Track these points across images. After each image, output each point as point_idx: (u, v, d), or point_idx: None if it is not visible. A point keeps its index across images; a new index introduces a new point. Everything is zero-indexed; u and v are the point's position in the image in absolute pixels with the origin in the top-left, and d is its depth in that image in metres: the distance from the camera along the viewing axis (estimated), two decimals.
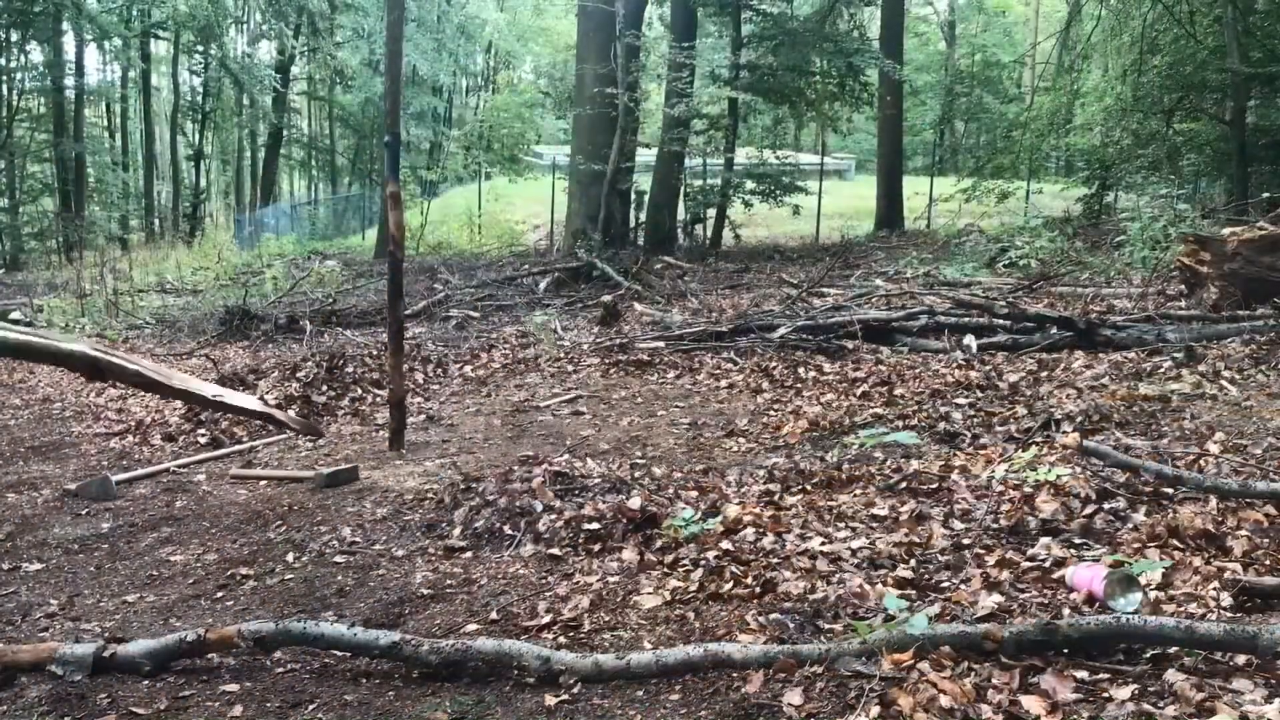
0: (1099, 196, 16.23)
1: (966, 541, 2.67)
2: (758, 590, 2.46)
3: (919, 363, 5.40)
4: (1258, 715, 1.70)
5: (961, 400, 4.39)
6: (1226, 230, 6.34)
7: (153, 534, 3.59)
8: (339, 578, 2.94)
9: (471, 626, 2.46)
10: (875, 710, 1.79)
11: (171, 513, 3.85)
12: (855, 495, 3.16)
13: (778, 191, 16.21)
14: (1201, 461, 3.20)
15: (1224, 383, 4.24)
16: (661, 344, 6.45)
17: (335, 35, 33.93)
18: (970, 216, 15.96)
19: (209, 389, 4.70)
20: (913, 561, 2.58)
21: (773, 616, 2.29)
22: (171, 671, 2.28)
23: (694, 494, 3.28)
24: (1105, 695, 1.80)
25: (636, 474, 3.59)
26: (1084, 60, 18.41)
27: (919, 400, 4.47)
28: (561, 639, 2.32)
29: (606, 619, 2.40)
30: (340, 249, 21.42)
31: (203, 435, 5.26)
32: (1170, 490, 2.91)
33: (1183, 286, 6.60)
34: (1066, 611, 2.20)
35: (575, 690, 2.04)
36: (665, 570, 2.68)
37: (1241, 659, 1.88)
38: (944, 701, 1.77)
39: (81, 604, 2.91)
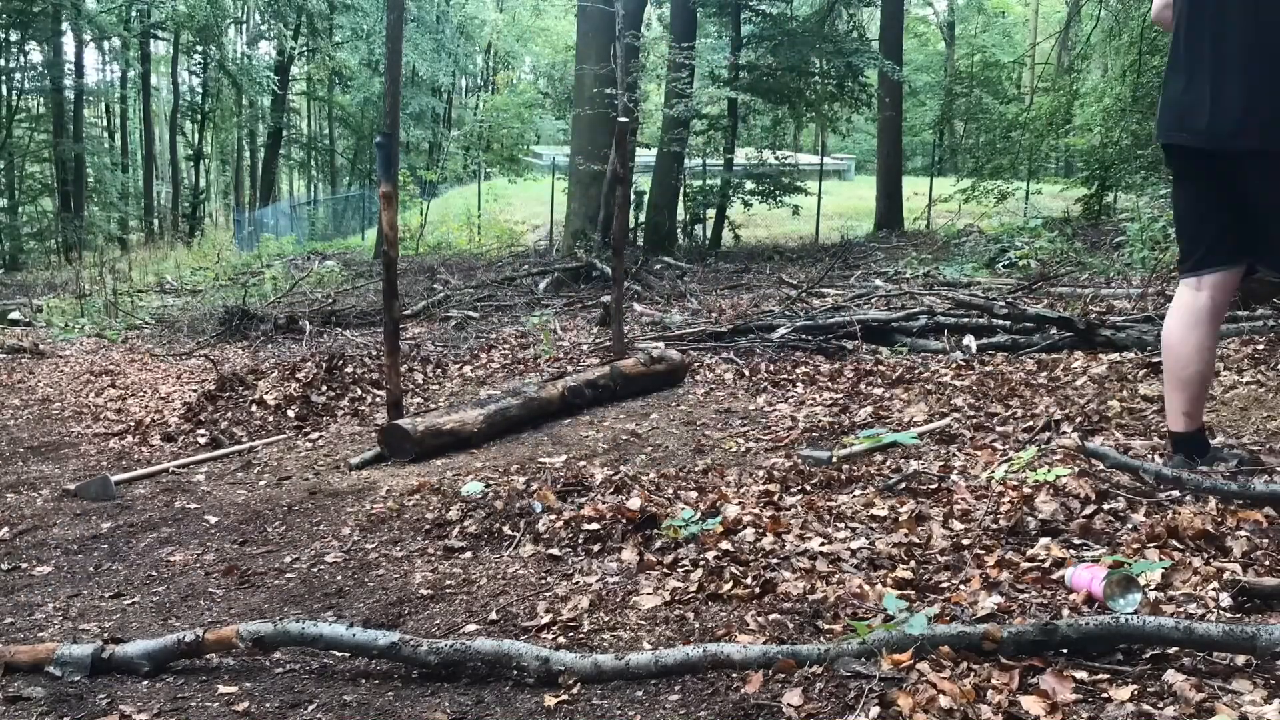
0: (1098, 197, 16.25)
1: (966, 542, 2.67)
2: (757, 590, 2.46)
3: (918, 363, 5.40)
4: (1257, 716, 1.70)
5: (961, 400, 4.39)
6: None
7: (152, 534, 3.59)
8: (338, 578, 2.95)
9: (471, 627, 2.46)
10: (875, 710, 1.79)
11: (171, 513, 3.85)
12: (855, 495, 3.17)
13: (777, 192, 16.22)
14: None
15: (1223, 384, 4.24)
16: (661, 344, 6.45)
17: (334, 35, 33.94)
18: (970, 217, 15.97)
19: None
20: (912, 562, 2.58)
21: (772, 617, 2.29)
22: (170, 672, 2.28)
23: (693, 494, 3.28)
24: (1105, 695, 1.80)
25: (636, 474, 3.59)
26: (1083, 61, 18.42)
27: (919, 400, 4.47)
28: (561, 639, 2.32)
29: (606, 619, 2.40)
30: (340, 249, 21.43)
31: (202, 435, 5.27)
32: (1170, 491, 2.90)
33: None
34: (1066, 612, 2.20)
35: (574, 690, 2.03)
36: (665, 570, 2.68)
37: (1241, 659, 1.88)
38: (943, 702, 1.77)
39: (80, 604, 2.91)
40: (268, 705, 2.10)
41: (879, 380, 5.02)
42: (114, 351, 8.95)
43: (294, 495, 3.93)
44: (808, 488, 3.30)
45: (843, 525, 2.88)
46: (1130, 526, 2.67)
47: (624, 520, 3.00)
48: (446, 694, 2.10)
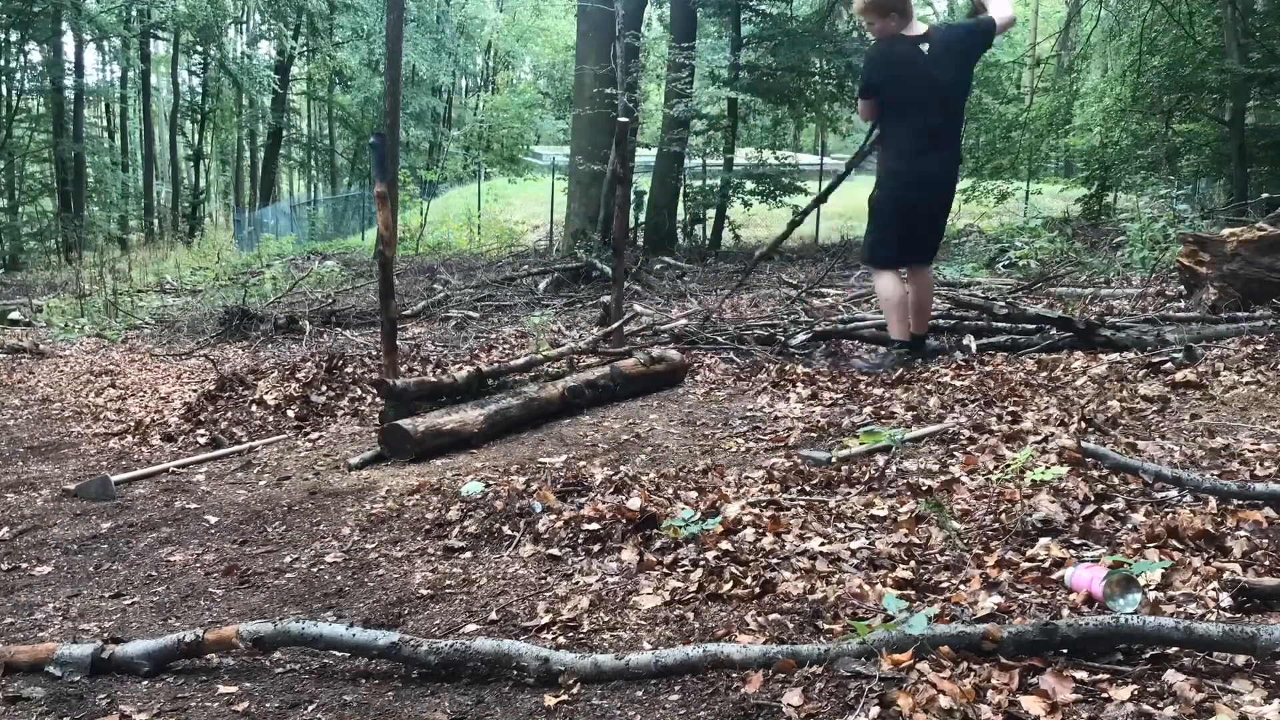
0: (1098, 197, 16.25)
1: (965, 542, 2.67)
2: (757, 590, 2.46)
3: (918, 363, 5.39)
4: (1257, 716, 1.70)
5: (960, 401, 4.39)
6: (1226, 231, 6.34)
7: (152, 534, 3.59)
8: (338, 578, 2.95)
9: (471, 627, 2.46)
10: (875, 710, 1.79)
11: (171, 513, 3.85)
12: (855, 495, 3.17)
13: (777, 192, 16.20)
14: (1200, 463, 3.20)
15: (1223, 384, 4.24)
16: (661, 344, 6.45)
17: (334, 35, 33.96)
18: (969, 217, 15.97)
19: None
20: (912, 562, 2.58)
21: (772, 617, 2.29)
22: (170, 672, 2.28)
23: (693, 494, 3.28)
24: (1105, 695, 1.80)
25: (636, 474, 3.59)
26: (1083, 61, 18.43)
27: (919, 400, 4.47)
28: (561, 639, 2.32)
29: (606, 619, 2.40)
30: (340, 249, 21.41)
31: (202, 435, 5.27)
32: (1169, 491, 2.90)
33: (1182, 287, 6.60)
34: (1065, 612, 2.20)
35: (574, 690, 2.04)
36: (665, 570, 2.68)
37: (1241, 659, 1.88)
38: (943, 702, 1.77)
39: (80, 604, 2.91)
40: (268, 705, 2.10)
41: (879, 380, 5.02)
42: (114, 351, 8.95)
43: (294, 495, 3.93)
44: (808, 488, 3.30)
45: (843, 525, 2.88)
46: (1130, 526, 2.67)
47: (624, 520, 3.00)
48: (446, 694, 2.10)
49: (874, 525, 2.87)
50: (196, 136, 38.97)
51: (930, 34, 5.09)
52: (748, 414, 4.62)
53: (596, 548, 2.91)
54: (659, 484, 3.45)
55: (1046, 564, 2.48)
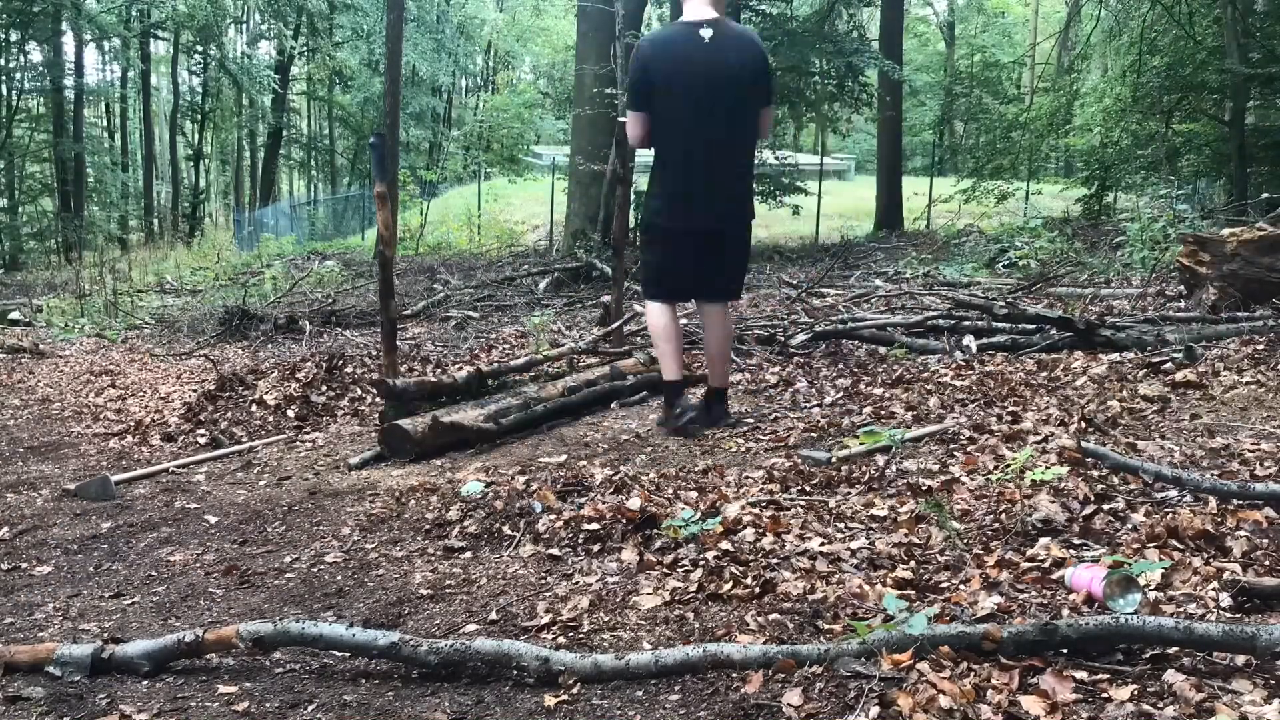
0: (1098, 197, 16.24)
1: (965, 542, 2.67)
2: (757, 590, 2.46)
3: (918, 363, 5.40)
4: (1257, 716, 1.70)
5: (960, 401, 4.39)
6: (1226, 231, 6.34)
7: (152, 534, 3.59)
8: (338, 578, 2.95)
9: (471, 627, 2.46)
10: (874, 710, 1.79)
11: (171, 513, 3.85)
12: (855, 495, 3.17)
13: (777, 192, 16.19)
14: (1200, 463, 3.20)
15: (1223, 384, 4.24)
16: None
17: (334, 35, 33.95)
18: (970, 217, 15.97)
19: None
20: (912, 562, 2.58)
21: (772, 617, 2.29)
22: (170, 672, 2.28)
23: (693, 494, 3.28)
24: (1105, 695, 1.80)
25: (636, 474, 3.59)
26: (1083, 61, 18.43)
27: (919, 400, 4.47)
28: (561, 639, 2.32)
29: (606, 619, 2.40)
30: (340, 249, 21.41)
31: (202, 435, 5.27)
32: (1169, 491, 2.91)
33: (1182, 287, 6.60)
34: (1066, 612, 2.20)
35: (574, 690, 2.03)
36: (665, 570, 2.68)
37: (1241, 659, 1.88)
38: (943, 702, 1.77)
39: (80, 604, 2.91)
40: (268, 705, 2.10)
41: (879, 380, 5.02)
42: (114, 351, 8.95)
43: (294, 495, 3.93)
44: (808, 488, 3.30)
45: (843, 525, 2.88)
46: (1130, 527, 2.67)
47: (624, 520, 3.00)
48: (446, 694, 2.10)
49: (874, 525, 2.87)
50: (196, 136, 38.97)
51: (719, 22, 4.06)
52: (747, 413, 4.62)
53: (596, 548, 2.91)
54: (659, 484, 3.45)
55: (1046, 564, 2.48)
